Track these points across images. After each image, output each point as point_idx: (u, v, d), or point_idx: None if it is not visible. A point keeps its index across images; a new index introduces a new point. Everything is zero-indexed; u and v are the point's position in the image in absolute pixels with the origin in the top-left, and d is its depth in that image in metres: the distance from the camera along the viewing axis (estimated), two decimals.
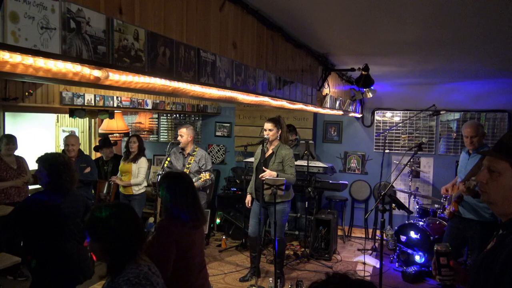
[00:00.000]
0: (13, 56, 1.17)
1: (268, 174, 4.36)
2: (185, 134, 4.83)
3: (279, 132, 4.57)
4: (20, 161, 4.75)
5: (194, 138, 5.03)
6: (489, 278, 1.33)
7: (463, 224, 3.86)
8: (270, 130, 4.53)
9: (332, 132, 7.13)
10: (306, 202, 5.65)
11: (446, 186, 4.10)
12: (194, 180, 4.68)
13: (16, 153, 4.75)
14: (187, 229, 2.45)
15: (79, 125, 6.95)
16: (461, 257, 4.31)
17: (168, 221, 2.45)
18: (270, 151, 4.60)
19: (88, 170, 4.77)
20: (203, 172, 4.76)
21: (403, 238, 5.14)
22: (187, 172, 4.75)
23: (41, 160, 2.84)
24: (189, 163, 4.83)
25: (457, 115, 6.47)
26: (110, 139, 6.20)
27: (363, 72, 4.07)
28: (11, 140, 4.64)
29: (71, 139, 4.84)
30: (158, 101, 5.55)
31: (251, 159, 5.70)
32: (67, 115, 5.49)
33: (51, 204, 2.78)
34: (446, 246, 1.75)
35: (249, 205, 4.84)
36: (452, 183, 4.09)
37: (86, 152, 6.93)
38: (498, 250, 1.37)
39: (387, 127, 6.66)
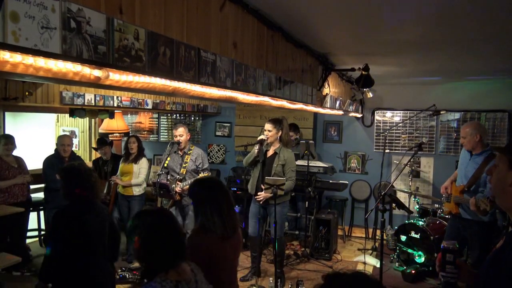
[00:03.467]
0: (13, 55, 1.16)
1: (263, 196, 4.36)
2: (184, 133, 4.82)
3: (279, 134, 4.53)
4: (20, 160, 4.76)
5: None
6: (500, 276, 1.33)
7: (462, 223, 3.88)
8: (269, 131, 4.50)
9: (332, 132, 7.13)
10: (307, 202, 5.64)
11: (444, 184, 4.11)
12: (191, 181, 4.67)
13: (15, 153, 4.75)
14: (217, 240, 2.24)
15: (79, 125, 6.95)
16: (461, 257, 4.32)
17: (197, 231, 2.27)
18: (272, 152, 4.59)
19: None
20: (201, 172, 4.73)
21: (403, 238, 5.14)
22: (184, 172, 4.75)
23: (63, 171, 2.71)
24: (185, 162, 4.80)
25: (457, 115, 6.46)
26: (110, 138, 6.20)
27: (363, 72, 4.06)
28: (10, 140, 4.64)
29: (66, 139, 4.82)
30: (158, 101, 5.55)
31: None
32: (67, 115, 5.48)
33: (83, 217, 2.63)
34: (454, 243, 1.76)
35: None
36: (451, 180, 4.09)
37: (87, 152, 6.95)
38: (508, 247, 1.37)
39: (387, 127, 6.66)
